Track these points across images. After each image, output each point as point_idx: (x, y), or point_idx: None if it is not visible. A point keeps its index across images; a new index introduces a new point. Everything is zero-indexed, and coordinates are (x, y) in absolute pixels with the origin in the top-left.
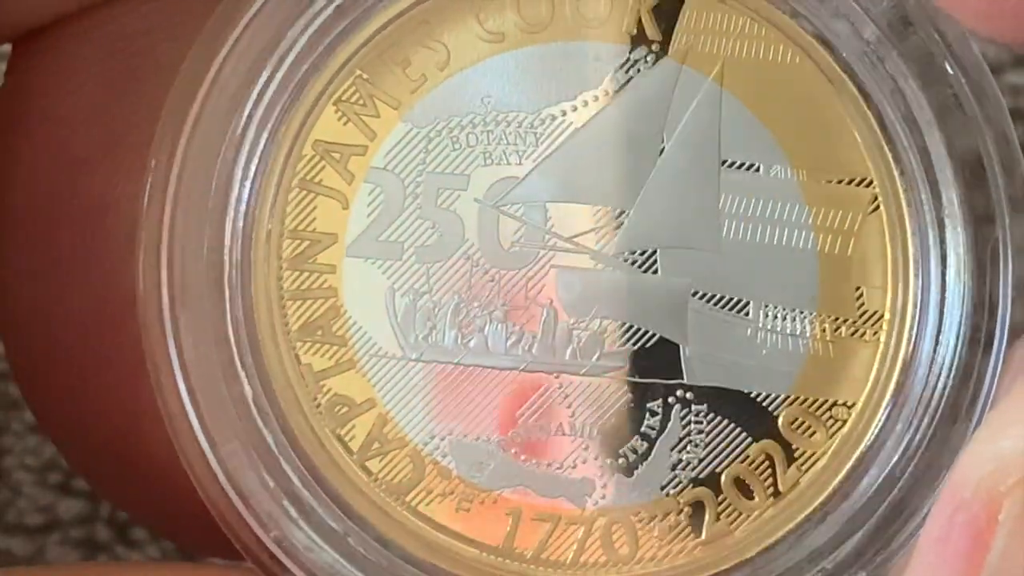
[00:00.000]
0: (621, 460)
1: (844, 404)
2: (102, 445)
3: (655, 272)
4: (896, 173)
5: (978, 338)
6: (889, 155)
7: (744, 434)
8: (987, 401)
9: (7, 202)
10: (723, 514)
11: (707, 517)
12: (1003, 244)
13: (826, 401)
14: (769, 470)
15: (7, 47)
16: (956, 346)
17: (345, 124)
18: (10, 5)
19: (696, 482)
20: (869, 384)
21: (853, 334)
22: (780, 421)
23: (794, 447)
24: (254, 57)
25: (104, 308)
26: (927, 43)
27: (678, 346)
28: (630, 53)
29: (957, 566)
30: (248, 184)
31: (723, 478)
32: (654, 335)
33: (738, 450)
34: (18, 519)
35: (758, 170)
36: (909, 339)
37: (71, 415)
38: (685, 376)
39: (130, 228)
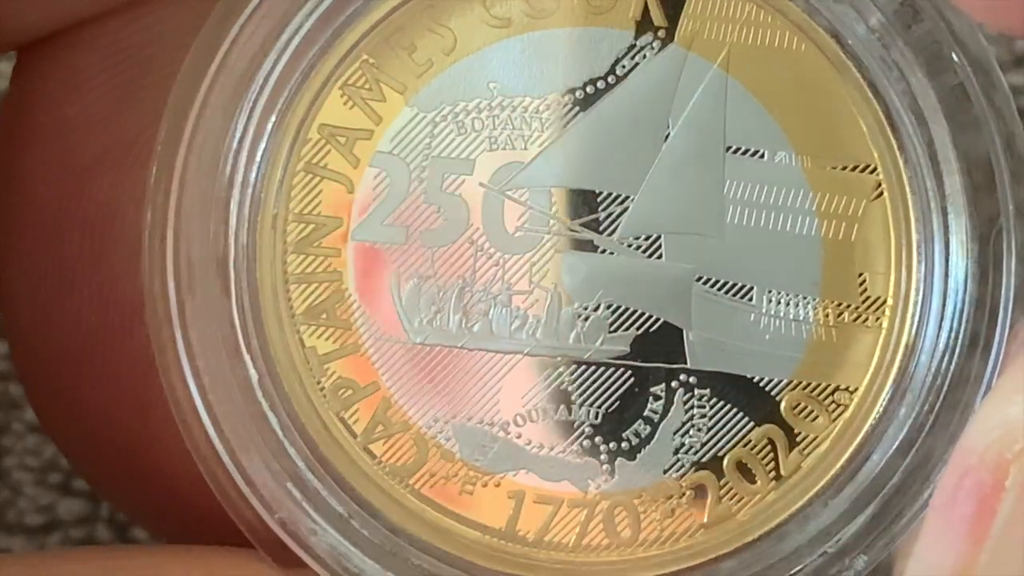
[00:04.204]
0: (624, 444)
1: (846, 389)
2: (107, 449)
3: (659, 257)
4: (900, 160)
5: (980, 324)
6: (893, 142)
7: (746, 418)
8: (988, 387)
9: (14, 208)
10: (725, 498)
11: (709, 501)
12: (1006, 231)
13: (828, 386)
14: (771, 454)
15: (12, 55)
16: (958, 332)
17: (351, 108)
18: (16, 14)
19: (698, 466)
20: (871, 369)
21: (856, 320)
22: (782, 406)
23: (796, 431)
24: (260, 41)
25: (110, 313)
26: (933, 32)
27: (681, 331)
28: (636, 39)
29: (963, 530)
30: (254, 168)
31: (725, 462)
32: (658, 320)
33: (740, 434)
34: (18, 519)
35: (762, 156)
36: (911, 325)
37: (76, 419)
38: (688, 361)
39: (136, 234)
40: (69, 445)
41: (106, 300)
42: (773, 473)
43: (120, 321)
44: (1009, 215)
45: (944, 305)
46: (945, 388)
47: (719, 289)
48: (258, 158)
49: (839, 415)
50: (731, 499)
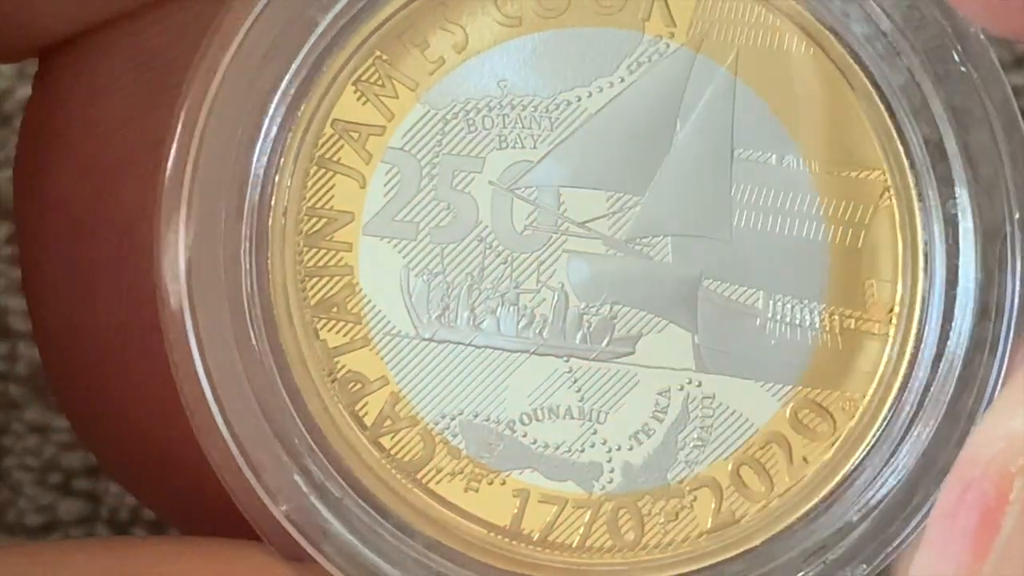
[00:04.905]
0: (629, 446)
1: (851, 396)
2: (136, 447)
3: (666, 259)
4: (907, 166)
5: (986, 332)
6: (900, 148)
7: (751, 423)
8: (993, 397)
9: (39, 212)
10: (728, 502)
11: (712, 505)
12: (1012, 238)
13: (833, 393)
14: (775, 460)
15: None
16: (964, 340)
17: (364, 104)
18: (39, 17)
19: (703, 470)
20: (877, 377)
21: (862, 327)
22: (787, 412)
23: (801, 438)
24: (273, 36)
25: (136, 313)
26: (940, 37)
27: (687, 334)
28: (645, 40)
29: (965, 544)
30: (266, 161)
31: (729, 467)
32: (664, 322)
33: (745, 439)
34: (18, 519)
35: (770, 160)
36: (917, 333)
37: (105, 418)
38: (694, 364)
39: None
40: (98, 443)
41: (133, 301)
42: (777, 479)
43: (147, 320)
44: (1015, 222)
45: (950, 313)
46: (950, 397)
47: (726, 292)
48: (271, 152)
49: (844, 422)
50: (734, 504)
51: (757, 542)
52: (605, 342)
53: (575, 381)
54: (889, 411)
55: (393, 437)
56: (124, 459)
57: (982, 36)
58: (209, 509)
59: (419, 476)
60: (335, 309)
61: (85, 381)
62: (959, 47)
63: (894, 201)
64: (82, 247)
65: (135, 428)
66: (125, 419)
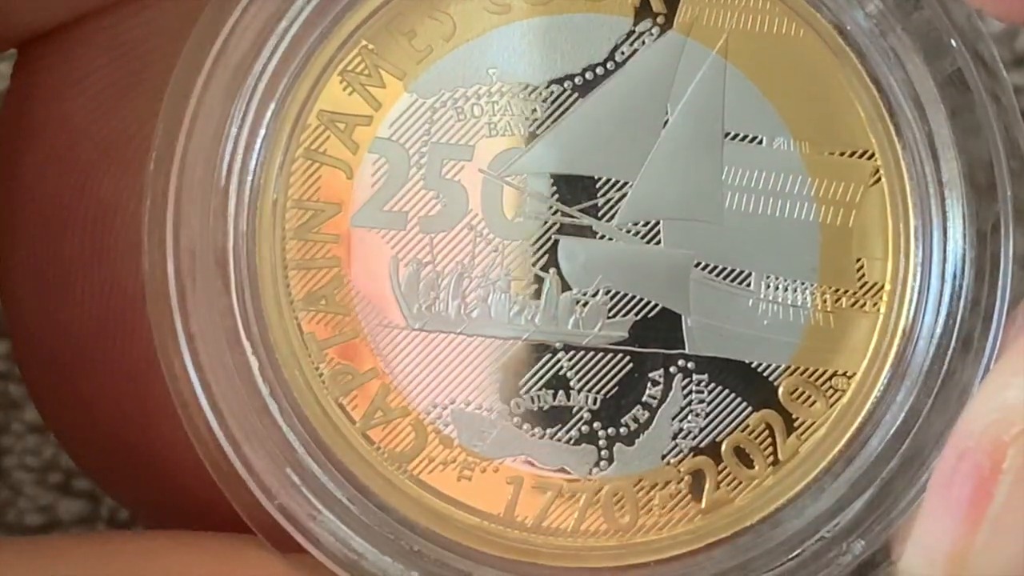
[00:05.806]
0: (622, 429)
1: (844, 374)
2: (109, 443)
3: (658, 243)
4: (898, 146)
5: (979, 306)
6: (891, 128)
7: (744, 403)
8: (986, 371)
9: (15, 205)
10: (723, 483)
11: (707, 486)
12: (1004, 215)
13: (826, 371)
14: (769, 439)
15: (12, 52)
16: (956, 317)
17: (350, 94)
18: (16, 10)
19: (697, 451)
20: (869, 355)
21: (853, 305)
22: (780, 391)
23: (794, 416)
24: (259, 27)
25: (111, 308)
26: (932, 20)
27: (680, 316)
28: (635, 25)
29: (960, 513)
30: (253, 154)
31: (723, 447)
32: (656, 305)
33: (738, 419)
34: (18, 519)
35: (761, 142)
36: (909, 310)
37: (78, 414)
38: (687, 346)
39: (137, 228)
40: (71, 440)
41: (108, 295)
42: (771, 458)
43: (122, 316)
44: (1006, 197)
45: (941, 289)
46: (942, 373)
47: (717, 275)
48: (257, 144)
49: (836, 400)
50: (729, 484)
51: (753, 521)
52: (598, 327)
53: (568, 367)
54: (882, 388)
55: (385, 428)
56: (96, 452)
57: (976, 19)
58: (185, 507)
59: (411, 466)
60: (323, 301)
61: (59, 375)
62: (952, 29)
63: (884, 180)
64: (57, 240)
65: (108, 426)
66: (100, 413)
